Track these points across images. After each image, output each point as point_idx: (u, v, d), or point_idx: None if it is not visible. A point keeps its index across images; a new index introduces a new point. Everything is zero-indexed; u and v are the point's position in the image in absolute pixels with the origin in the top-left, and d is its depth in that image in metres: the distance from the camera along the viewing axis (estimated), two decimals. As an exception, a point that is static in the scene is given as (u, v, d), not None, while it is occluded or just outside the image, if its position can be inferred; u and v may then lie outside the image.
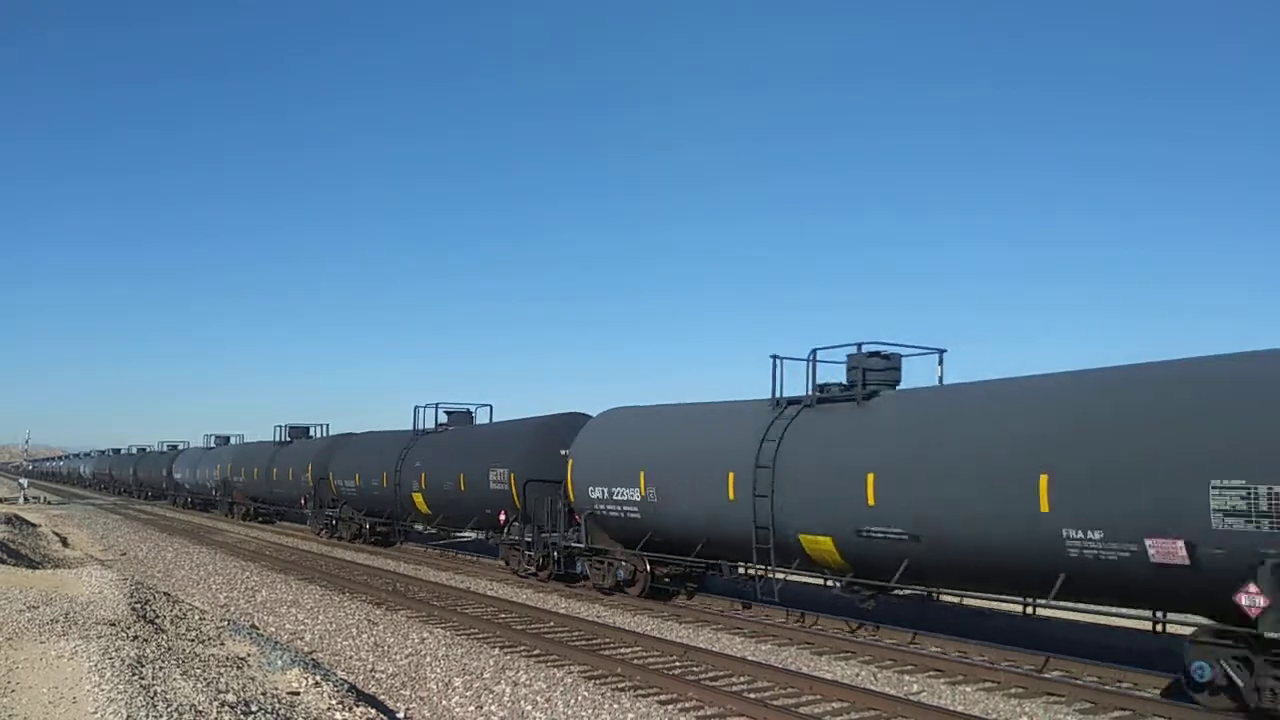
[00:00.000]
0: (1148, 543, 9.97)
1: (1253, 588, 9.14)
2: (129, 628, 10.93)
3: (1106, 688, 10.90)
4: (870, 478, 12.85)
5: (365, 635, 14.28)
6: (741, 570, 15.93)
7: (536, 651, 13.06)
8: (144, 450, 69.65)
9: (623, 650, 13.19)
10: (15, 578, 15.19)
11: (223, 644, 11.44)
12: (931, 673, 11.95)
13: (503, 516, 21.28)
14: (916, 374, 14.60)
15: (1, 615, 11.13)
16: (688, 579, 17.66)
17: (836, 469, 13.49)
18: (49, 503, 54.93)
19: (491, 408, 26.38)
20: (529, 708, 10.14)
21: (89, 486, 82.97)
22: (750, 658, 12.74)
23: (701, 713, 10.04)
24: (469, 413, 26.83)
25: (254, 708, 7.95)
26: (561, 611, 16.45)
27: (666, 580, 17.54)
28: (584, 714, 9.96)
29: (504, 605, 17.16)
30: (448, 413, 26.80)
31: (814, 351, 14.69)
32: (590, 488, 18.11)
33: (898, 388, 14.41)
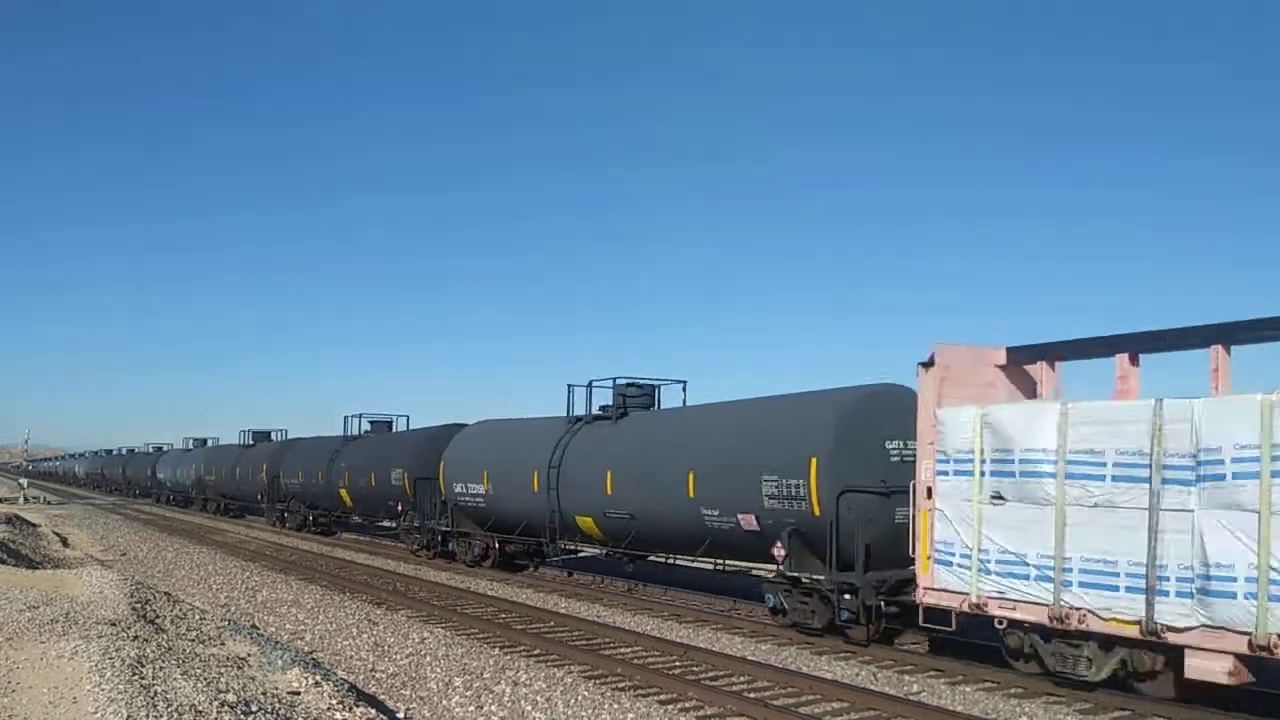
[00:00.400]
0: (739, 517, 15.00)
1: (779, 544, 14.13)
2: (129, 628, 10.93)
3: (1114, 692, 10.90)
4: (609, 474, 17.92)
5: (365, 635, 14.29)
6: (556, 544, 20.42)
7: (536, 651, 13.07)
8: (132, 451, 74.14)
9: (622, 650, 13.19)
10: (15, 578, 15.19)
11: (223, 644, 11.44)
12: (931, 673, 11.94)
13: (400, 507, 26.36)
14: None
15: (2, 615, 11.13)
16: (533, 554, 22.16)
17: (594, 469, 18.40)
18: (49, 503, 54.92)
19: (409, 418, 31.52)
20: (529, 707, 10.14)
21: (83, 485, 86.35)
22: (750, 658, 12.74)
23: (701, 713, 10.05)
24: (389, 422, 31.99)
25: (254, 708, 7.96)
26: (562, 611, 16.46)
27: (515, 555, 22.44)
28: (584, 714, 9.96)
29: (504, 605, 17.17)
30: (371, 422, 32.12)
31: (591, 382, 20.06)
32: (454, 484, 23.08)
33: (650, 409, 19.40)
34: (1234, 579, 9.08)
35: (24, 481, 65.31)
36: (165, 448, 62.96)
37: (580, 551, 21.09)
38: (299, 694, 9.11)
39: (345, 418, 32.47)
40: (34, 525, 31.88)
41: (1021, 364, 12.53)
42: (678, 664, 12.36)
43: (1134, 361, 10.96)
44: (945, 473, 11.76)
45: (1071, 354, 12.10)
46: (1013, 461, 10.99)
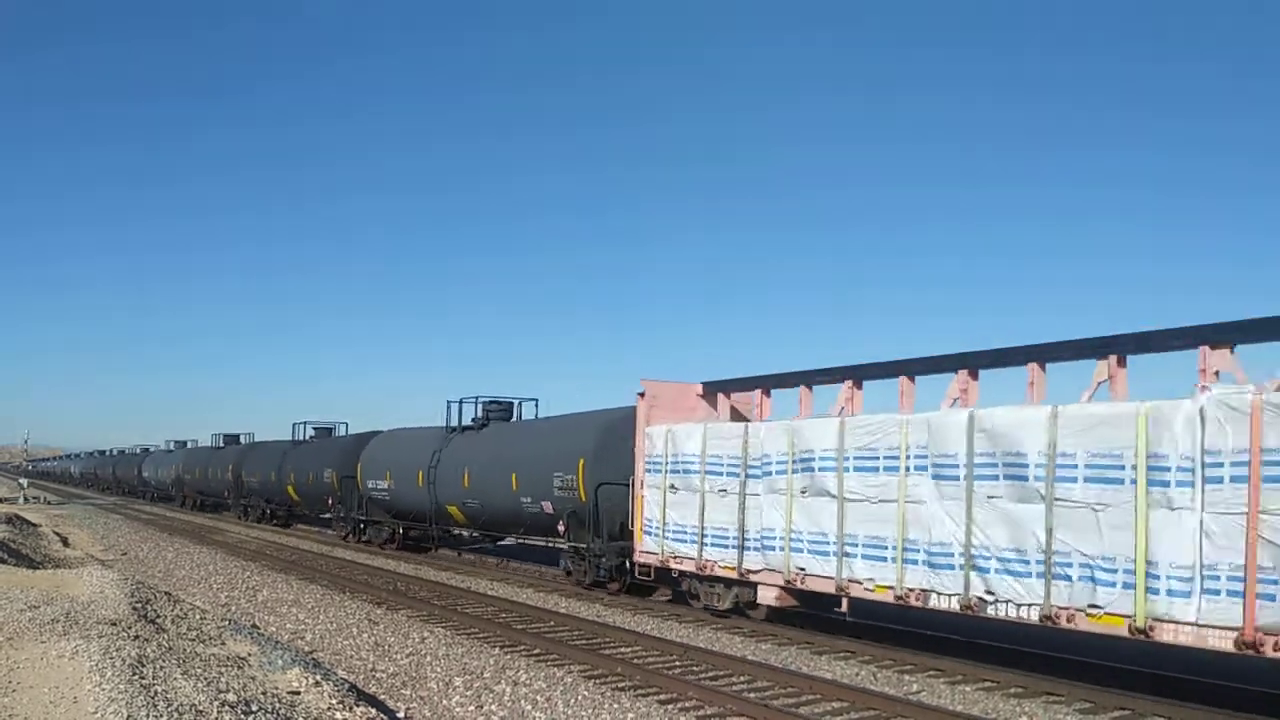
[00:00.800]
0: (542, 504, 20.03)
1: (562, 523, 19.32)
2: (130, 627, 10.94)
3: (1107, 689, 10.91)
4: (467, 472, 23.27)
5: (366, 635, 14.29)
6: (450, 531, 26.47)
7: (537, 651, 13.07)
8: (122, 452, 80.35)
9: (623, 650, 13.20)
10: (16, 578, 15.20)
11: (223, 643, 11.45)
12: (931, 673, 11.95)
13: (330, 501, 31.99)
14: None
15: (2, 615, 11.14)
16: (434, 539, 27.03)
17: (458, 468, 23.61)
18: (49, 503, 54.93)
19: (347, 424, 37.20)
20: (529, 707, 10.15)
21: (78, 484, 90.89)
22: (750, 658, 12.75)
23: (701, 713, 10.05)
24: (331, 428, 37.63)
25: (254, 707, 7.96)
26: (562, 611, 16.47)
27: (418, 539, 27.55)
28: (584, 714, 9.96)
29: (504, 605, 17.19)
30: (315, 428, 37.82)
31: (462, 400, 25.39)
32: (368, 480, 28.61)
33: (506, 422, 24.68)
34: (776, 537, 14.20)
35: (24, 481, 65.33)
36: (152, 449, 67.79)
37: (457, 533, 26.82)
38: (299, 694, 9.12)
39: (294, 425, 38.60)
40: (34, 525, 31.90)
41: (711, 394, 17.18)
42: (678, 664, 12.37)
43: (858, 385, 14.34)
44: (649, 470, 16.88)
45: (735, 388, 16.92)
46: (679, 462, 16.11)
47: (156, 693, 7.89)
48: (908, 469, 12.33)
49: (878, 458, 12.75)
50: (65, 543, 28.68)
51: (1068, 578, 10.44)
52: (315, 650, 12.94)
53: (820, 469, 13.46)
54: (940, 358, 13.27)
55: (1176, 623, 9.55)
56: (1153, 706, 10.19)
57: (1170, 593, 9.55)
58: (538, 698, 10.52)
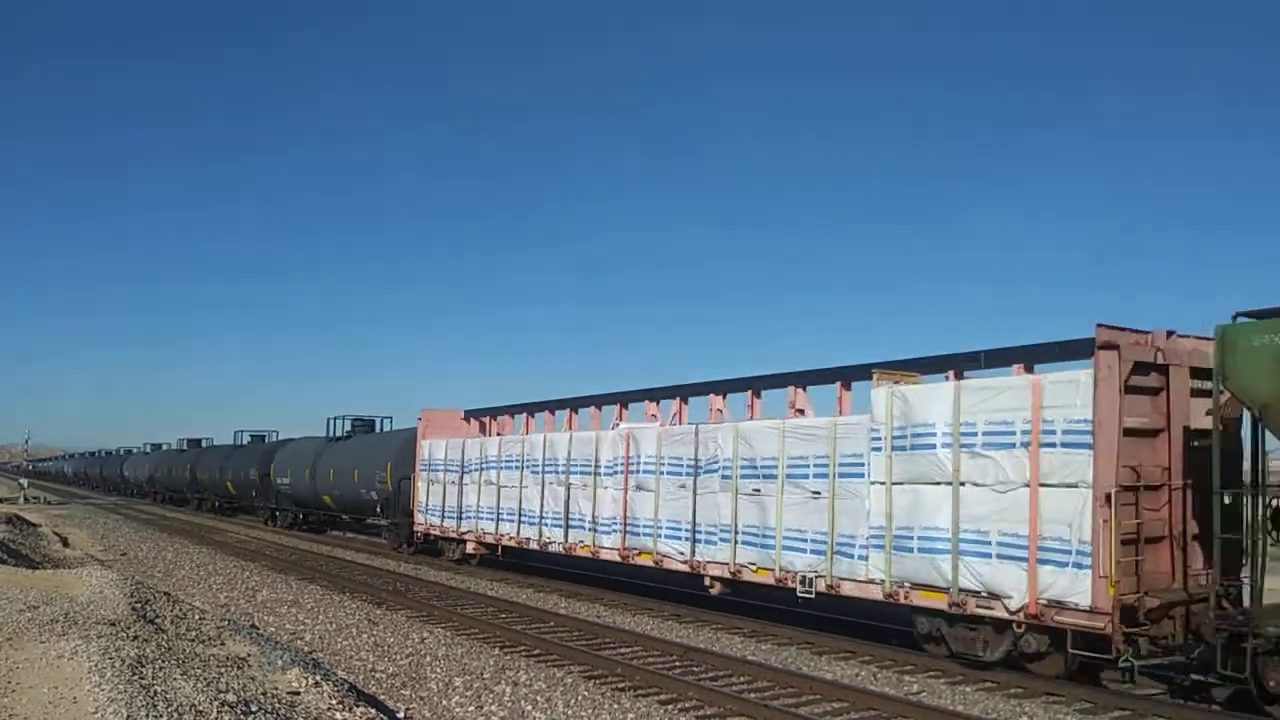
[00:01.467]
0: (372, 493, 28.77)
1: (380, 506, 28.69)
2: (129, 628, 10.93)
3: (1109, 688, 10.90)
4: (332, 470, 31.70)
5: (365, 635, 14.28)
6: (329, 515, 34.71)
7: (537, 651, 13.07)
8: (108, 453, 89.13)
9: (622, 650, 13.19)
10: (16, 578, 15.18)
11: (223, 644, 11.44)
12: (932, 673, 11.95)
13: (254, 493, 40.22)
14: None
15: (2, 615, 11.13)
16: (317, 521, 36.07)
17: (328, 468, 32.07)
18: (49, 503, 54.90)
19: (280, 432, 42.95)
20: (529, 707, 10.14)
21: (70, 483, 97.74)
22: (750, 658, 12.75)
23: (701, 713, 10.05)
24: (264, 436, 44.51)
25: (254, 708, 7.96)
26: (561, 611, 16.47)
27: (317, 523, 36.02)
28: (584, 714, 9.96)
29: (504, 605, 17.18)
30: (252, 435, 45.19)
31: (339, 417, 34.80)
32: (277, 478, 36.95)
33: (367, 434, 33.29)
34: (476, 511, 22.51)
35: (24, 481, 65.31)
36: (134, 450, 76.39)
37: (334, 517, 34.64)
38: (299, 694, 9.11)
39: (236, 432, 46.72)
40: (34, 525, 31.88)
41: (469, 418, 25.55)
42: (678, 664, 12.36)
43: (599, 407, 20.87)
44: (421, 470, 25.23)
45: (484, 414, 25.13)
46: (440, 465, 24.29)
47: (156, 693, 7.88)
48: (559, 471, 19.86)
49: (552, 461, 20.05)
50: (65, 543, 28.65)
51: (801, 549, 14.03)
52: (315, 650, 12.93)
53: (505, 468, 21.61)
54: (662, 389, 19.10)
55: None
56: (1153, 706, 10.19)
57: (785, 548, 14.38)
58: (538, 698, 10.51)
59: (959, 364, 13.29)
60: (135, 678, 8.30)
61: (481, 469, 22.30)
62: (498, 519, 21.64)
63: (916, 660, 12.49)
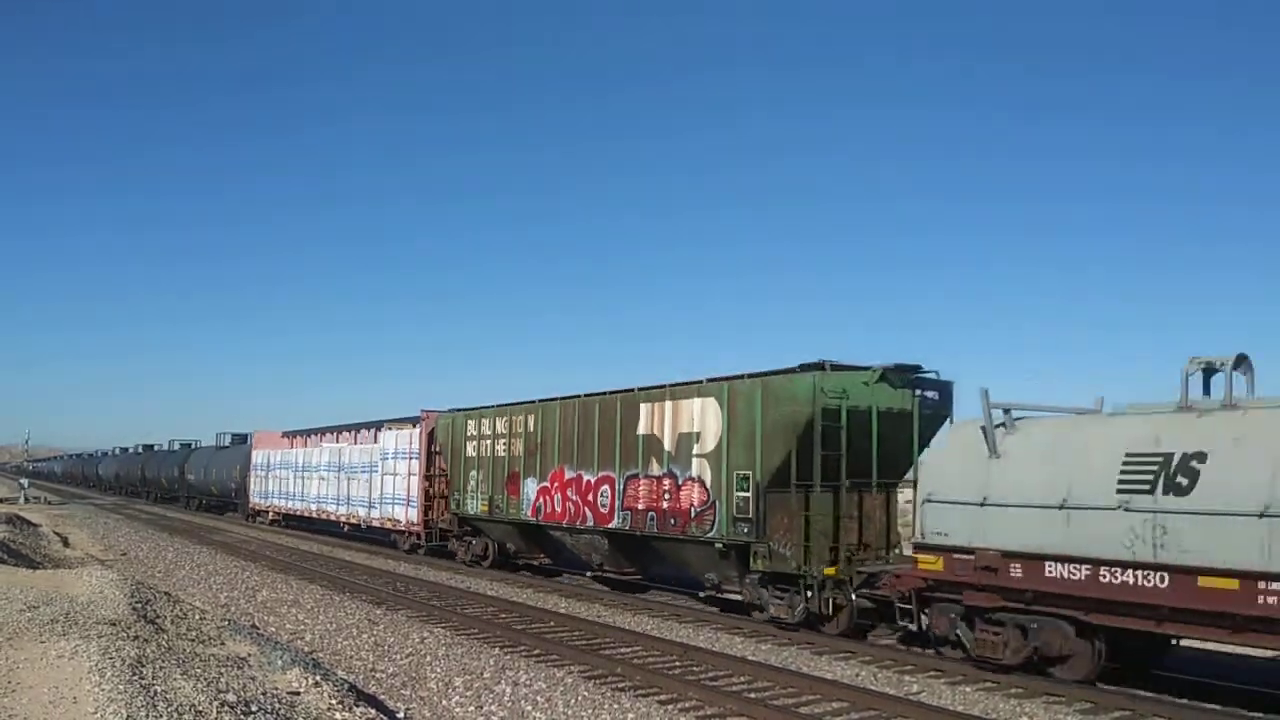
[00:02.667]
0: (234, 483, 45.35)
1: (235, 493, 45.53)
2: (129, 628, 10.94)
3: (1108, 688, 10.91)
4: (215, 469, 48.35)
5: (365, 635, 14.29)
6: (222, 500, 48.52)
7: (536, 651, 13.07)
8: (90, 455, 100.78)
9: (622, 650, 13.20)
10: (16, 578, 15.19)
11: (223, 644, 11.44)
12: (932, 673, 11.95)
13: (178, 486, 53.40)
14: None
15: (2, 615, 11.14)
16: (219, 507, 48.87)
17: (215, 467, 48.09)
18: (49, 503, 54.94)
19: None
20: (529, 708, 10.15)
21: (59, 481, 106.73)
22: (750, 658, 12.75)
23: (701, 713, 10.05)
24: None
25: (254, 708, 7.96)
26: (561, 611, 16.48)
27: (214, 507, 49.10)
28: (584, 714, 9.96)
29: (504, 605, 17.19)
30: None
31: (225, 433, 51.14)
32: (189, 475, 51.59)
33: (241, 445, 46.64)
34: (291, 495, 37.31)
35: (25, 481, 65.35)
36: (109, 452, 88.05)
37: (223, 502, 47.41)
38: (299, 694, 9.11)
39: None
40: (34, 525, 31.89)
41: (287, 436, 38.05)
42: (678, 664, 12.37)
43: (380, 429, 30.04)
44: (252, 469, 41.07)
45: (296, 433, 37.41)
46: (261, 467, 40.18)
47: (156, 693, 7.88)
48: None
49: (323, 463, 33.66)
50: (65, 543, 28.66)
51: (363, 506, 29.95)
52: (315, 650, 12.93)
53: (292, 468, 36.43)
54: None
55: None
56: (1153, 707, 10.19)
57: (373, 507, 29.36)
58: (538, 698, 10.52)
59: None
60: (135, 677, 8.30)
61: (280, 468, 38.04)
62: (286, 498, 37.39)
63: (916, 660, 12.50)
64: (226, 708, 7.76)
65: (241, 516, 42.45)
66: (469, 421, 23.41)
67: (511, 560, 23.09)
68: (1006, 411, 11.89)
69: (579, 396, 19.88)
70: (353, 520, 30.80)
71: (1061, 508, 10.74)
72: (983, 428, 11.76)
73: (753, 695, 10.59)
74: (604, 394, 19.02)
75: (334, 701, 8.94)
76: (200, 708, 7.62)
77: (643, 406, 17.62)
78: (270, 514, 39.04)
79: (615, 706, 10.21)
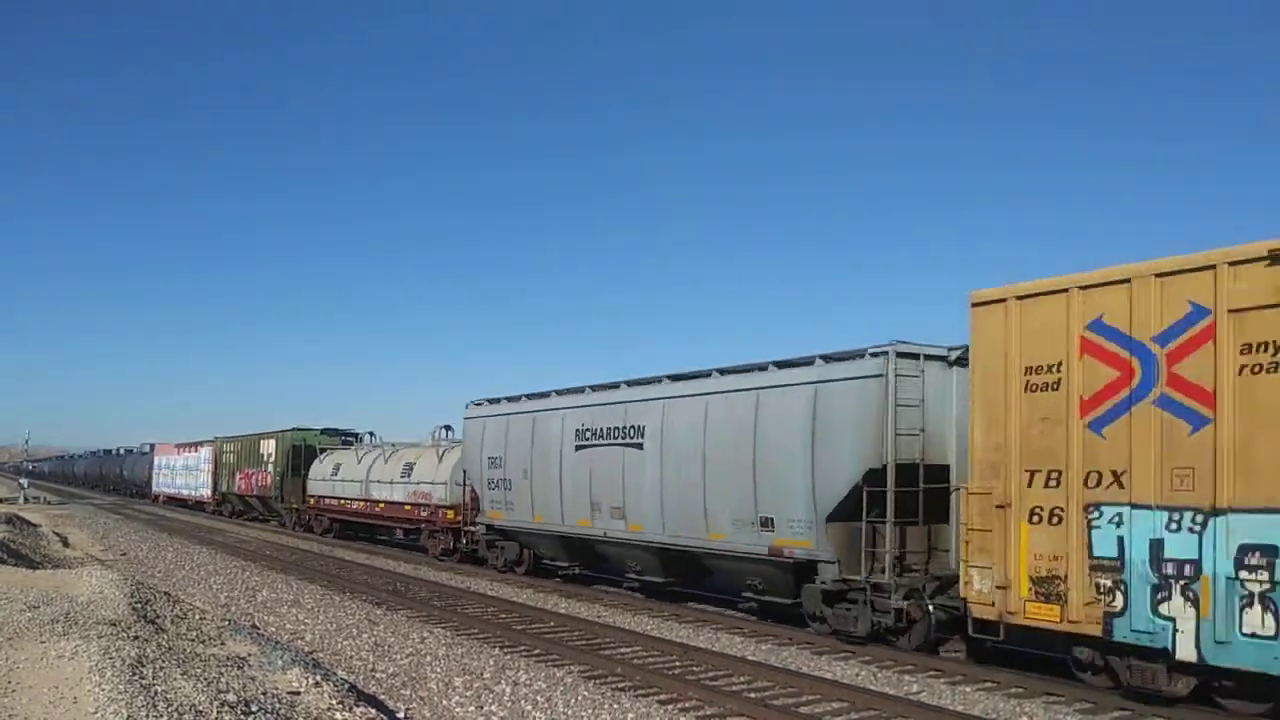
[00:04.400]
0: (148, 479, 62.41)
1: (150, 486, 62.49)
2: (129, 628, 10.93)
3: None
4: (134, 469, 68.34)
5: (365, 635, 14.29)
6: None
7: (537, 651, 13.07)
8: (72, 456, 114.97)
9: (623, 650, 13.20)
10: (16, 578, 15.19)
11: (223, 644, 11.44)
12: (932, 673, 11.95)
13: (121, 482, 70.83)
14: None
15: (2, 615, 11.14)
16: (138, 497, 64.37)
17: (135, 467, 68.11)
18: (49, 502, 54.93)
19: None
20: (529, 707, 10.15)
21: (48, 479, 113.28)
22: (750, 658, 12.75)
23: (701, 713, 10.05)
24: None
25: (254, 707, 7.96)
26: (561, 611, 16.47)
27: (135, 497, 65.04)
28: (584, 714, 9.96)
29: (504, 605, 17.18)
30: (180, 445, 55.92)
31: (141, 442, 72.60)
32: (124, 472, 71.03)
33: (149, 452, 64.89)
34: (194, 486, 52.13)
35: (24, 481, 65.36)
36: (84, 454, 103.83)
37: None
38: (299, 694, 9.11)
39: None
40: (34, 525, 31.88)
41: (177, 446, 54.25)
42: (678, 664, 12.36)
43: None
44: (156, 467, 57.86)
45: (183, 445, 53.58)
46: (160, 466, 57.51)
47: (156, 693, 7.88)
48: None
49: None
50: (65, 543, 28.65)
51: None
52: (315, 650, 12.93)
53: (177, 467, 54.36)
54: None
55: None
56: (1152, 707, 10.18)
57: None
58: (538, 698, 10.52)
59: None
60: (135, 678, 8.30)
61: (166, 468, 54.18)
62: (175, 488, 52.98)
63: (916, 660, 12.50)
64: (227, 707, 7.76)
65: (149, 500, 59.18)
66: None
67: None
68: None
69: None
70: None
71: None
72: None
73: (753, 695, 10.59)
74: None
75: (334, 701, 8.94)
76: (200, 707, 7.62)
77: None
78: (161, 497, 57.04)
79: (615, 706, 10.21)
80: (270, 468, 38.66)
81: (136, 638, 10.32)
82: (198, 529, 36.97)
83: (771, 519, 14.63)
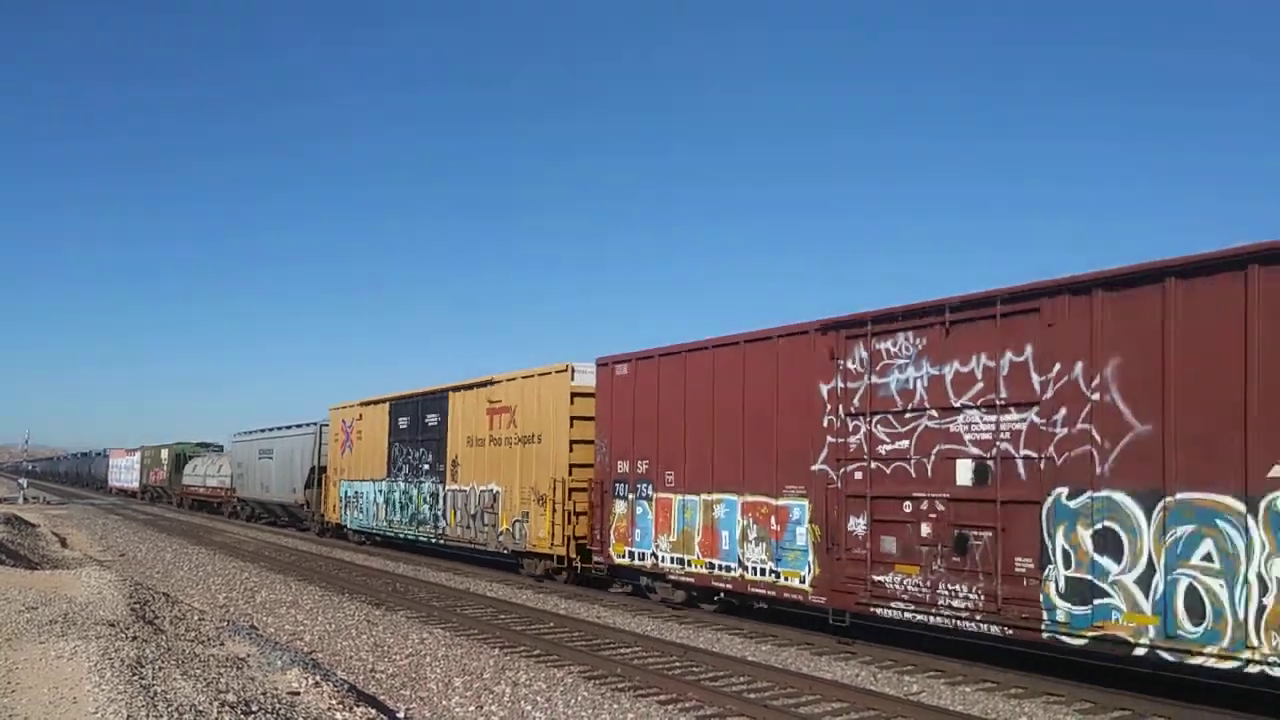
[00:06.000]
0: (104, 474, 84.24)
1: (105, 481, 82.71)
2: (128, 628, 10.92)
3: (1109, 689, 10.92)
4: (84, 470, 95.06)
5: (365, 635, 14.28)
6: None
7: (536, 652, 13.06)
8: (56, 458, 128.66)
9: (622, 650, 13.19)
10: (14, 578, 15.16)
11: (222, 644, 11.43)
12: (931, 673, 11.95)
13: (82, 481, 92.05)
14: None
15: (1, 616, 11.12)
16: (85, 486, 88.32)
17: (91, 467, 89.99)
18: (48, 503, 54.91)
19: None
20: (529, 708, 10.14)
21: (40, 478, 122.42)
22: (750, 658, 12.74)
23: (701, 713, 10.04)
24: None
25: (254, 708, 7.95)
26: (561, 612, 16.46)
27: (87, 488, 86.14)
28: (584, 714, 9.95)
29: (504, 606, 17.17)
30: (126, 450, 72.35)
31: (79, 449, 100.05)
32: (84, 471, 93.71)
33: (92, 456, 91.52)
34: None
35: (23, 481, 65.36)
36: (65, 455, 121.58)
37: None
38: (299, 694, 9.10)
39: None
40: (33, 525, 31.85)
41: (127, 450, 72.12)
42: (677, 664, 12.35)
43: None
44: (111, 467, 75.23)
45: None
46: (113, 466, 75.46)
47: (156, 693, 7.87)
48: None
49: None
50: (64, 543, 28.62)
51: None
52: (314, 651, 12.92)
53: (124, 467, 72.77)
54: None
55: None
56: (1152, 707, 10.18)
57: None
58: (537, 698, 10.51)
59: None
60: (135, 678, 8.29)
61: (115, 467, 72.63)
62: (120, 482, 70.51)
63: (916, 660, 12.49)
64: (226, 708, 7.75)
65: (107, 492, 74.12)
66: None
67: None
68: None
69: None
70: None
71: None
72: None
73: (752, 695, 10.58)
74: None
75: (334, 701, 8.93)
76: (200, 708, 7.61)
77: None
78: (113, 489, 73.76)
79: (615, 706, 10.20)
80: (164, 468, 59.08)
81: (135, 638, 10.30)
82: (196, 529, 36.93)
83: None
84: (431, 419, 25.06)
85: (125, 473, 70.21)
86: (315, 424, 33.61)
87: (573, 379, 19.62)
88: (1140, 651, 10.05)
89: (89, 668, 8.54)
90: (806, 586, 13.81)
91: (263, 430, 40.23)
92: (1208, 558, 9.52)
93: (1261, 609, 9.09)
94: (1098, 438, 10.42)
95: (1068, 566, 10.63)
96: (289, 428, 37.03)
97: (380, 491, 27.89)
